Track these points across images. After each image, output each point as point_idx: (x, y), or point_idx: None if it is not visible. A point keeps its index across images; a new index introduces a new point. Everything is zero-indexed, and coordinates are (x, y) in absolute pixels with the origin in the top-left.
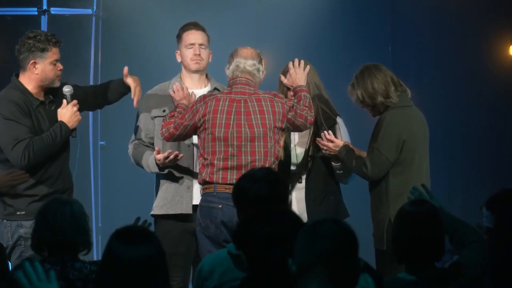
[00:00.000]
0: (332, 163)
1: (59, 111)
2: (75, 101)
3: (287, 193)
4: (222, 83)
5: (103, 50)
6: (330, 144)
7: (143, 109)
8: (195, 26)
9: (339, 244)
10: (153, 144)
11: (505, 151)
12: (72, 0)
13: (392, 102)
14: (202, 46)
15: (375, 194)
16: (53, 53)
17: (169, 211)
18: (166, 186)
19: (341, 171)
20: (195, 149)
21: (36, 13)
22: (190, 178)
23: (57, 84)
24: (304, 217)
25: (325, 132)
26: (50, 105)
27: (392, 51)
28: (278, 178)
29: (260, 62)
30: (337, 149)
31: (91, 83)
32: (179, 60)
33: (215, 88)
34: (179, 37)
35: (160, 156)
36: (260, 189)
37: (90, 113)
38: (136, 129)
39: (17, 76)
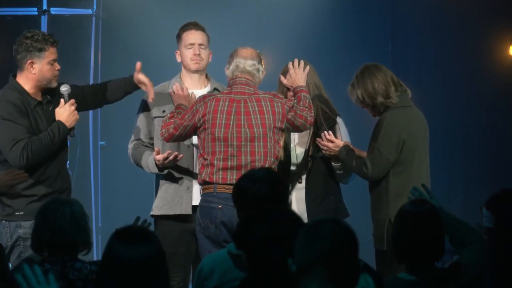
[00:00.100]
0: (332, 163)
1: (57, 110)
2: (72, 101)
3: (287, 193)
4: (222, 83)
5: (103, 50)
6: (330, 144)
7: (143, 109)
8: (195, 26)
9: (339, 244)
10: (153, 144)
11: (505, 151)
12: (72, 0)
13: (392, 102)
14: (202, 46)
15: (375, 194)
16: (50, 53)
17: (169, 211)
18: (165, 187)
19: (341, 171)
20: (194, 149)
21: (36, 13)
22: (190, 179)
23: (54, 84)
24: (304, 217)
25: (325, 132)
26: (48, 105)
27: (392, 51)
28: (278, 178)
29: (260, 62)
30: (337, 149)
31: (91, 83)
32: (179, 60)
33: (215, 88)
34: (179, 37)
35: (160, 157)
36: (260, 189)
37: (90, 113)
38: (136, 130)
39: (15, 76)
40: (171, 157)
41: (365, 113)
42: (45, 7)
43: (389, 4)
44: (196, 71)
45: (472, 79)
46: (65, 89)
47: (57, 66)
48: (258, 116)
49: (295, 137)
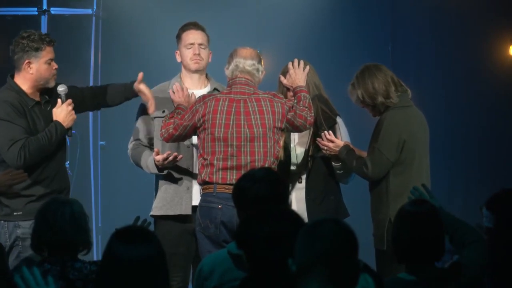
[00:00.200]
0: (333, 163)
1: (54, 110)
2: (69, 101)
3: (287, 193)
4: (222, 83)
5: (103, 50)
6: (331, 144)
7: (142, 109)
8: (195, 26)
9: (339, 244)
10: (152, 144)
11: (505, 151)
12: (72, 0)
13: (392, 102)
14: (202, 46)
15: (375, 194)
16: (47, 52)
17: (169, 212)
18: (165, 187)
19: (342, 171)
20: (194, 150)
21: (36, 13)
22: (190, 179)
23: (52, 84)
24: (304, 217)
25: (326, 132)
26: (46, 105)
27: (392, 51)
28: (278, 178)
29: (259, 62)
30: (337, 149)
31: (91, 83)
32: (178, 60)
33: (215, 89)
34: (178, 37)
35: (159, 157)
36: (260, 189)
37: (90, 113)
38: (136, 130)
39: (13, 77)
40: (170, 158)
41: (365, 113)
42: (45, 7)
43: (389, 4)
44: (196, 71)
45: (472, 79)
46: (62, 89)
47: (55, 65)
48: (258, 116)
49: (295, 137)
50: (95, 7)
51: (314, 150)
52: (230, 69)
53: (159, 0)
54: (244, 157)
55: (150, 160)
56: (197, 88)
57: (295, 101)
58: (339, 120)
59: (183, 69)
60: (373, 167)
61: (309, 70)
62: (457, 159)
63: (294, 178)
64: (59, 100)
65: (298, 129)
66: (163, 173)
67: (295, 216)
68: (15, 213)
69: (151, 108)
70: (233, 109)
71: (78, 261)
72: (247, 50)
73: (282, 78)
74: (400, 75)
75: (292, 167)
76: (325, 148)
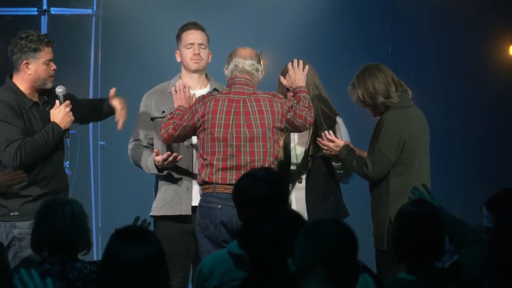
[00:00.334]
0: (333, 163)
1: (52, 111)
2: (68, 102)
3: (287, 193)
4: (222, 83)
5: (103, 50)
6: (331, 144)
7: (142, 109)
8: (195, 26)
9: (339, 244)
10: (152, 145)
11: (505, 151)
12: (72, 0)
13: (392, 102)
14: (202, 46)
15: (376, 194)
16: (45, 53)
17: (168, 212)
18: (165, 187)
19: (342, 171)
20: (194, 150)
21: (36, 13)
22: (189, 179)
23: (49, 85)
24: (304, 217)
25: (326, 132)
26: (44, 106)
27: (392, 51)
28: (278, 178)
29: (258, 62)
30: (337, 149)
31: (91, 83)
32: (178, 60)
33: (215, 89)
34: (178, 37)
35: (159, 158)
36: (260, 189)
37: None
38: (135, 130)
39: (11, 77)
40: (170, 158)
41: (365, 113)
42: (45, 7)
43: (389, 4)
44: (196, 71)
45: (472, 79)
46: (60, 90)
47: (53, 66)
48: (257, 116)
49: (295, 137)
50: (95, 7)
51: (314, 150)
52: (229, 69)
53: (159, 0)
54: (244, 157)
55: (150, 161)
56: (197, 88)
57: (295, 101)
58: (339, 120)
59: (183, 69)
60: (374, 167)
61: (308, 70)
62: (457, 159)
63: (294, 178)
64: (57, 101)
65: (297, 129)
66: (163, 174)
67: (295, 216)
68: (11, 214)
69: (119, 125)
70: (233, 109)
71: (78, 261)
72: (247, 50)
73: (282, 78)
74: (400, 75)
75: (292, 167)
76: (326, 148)
